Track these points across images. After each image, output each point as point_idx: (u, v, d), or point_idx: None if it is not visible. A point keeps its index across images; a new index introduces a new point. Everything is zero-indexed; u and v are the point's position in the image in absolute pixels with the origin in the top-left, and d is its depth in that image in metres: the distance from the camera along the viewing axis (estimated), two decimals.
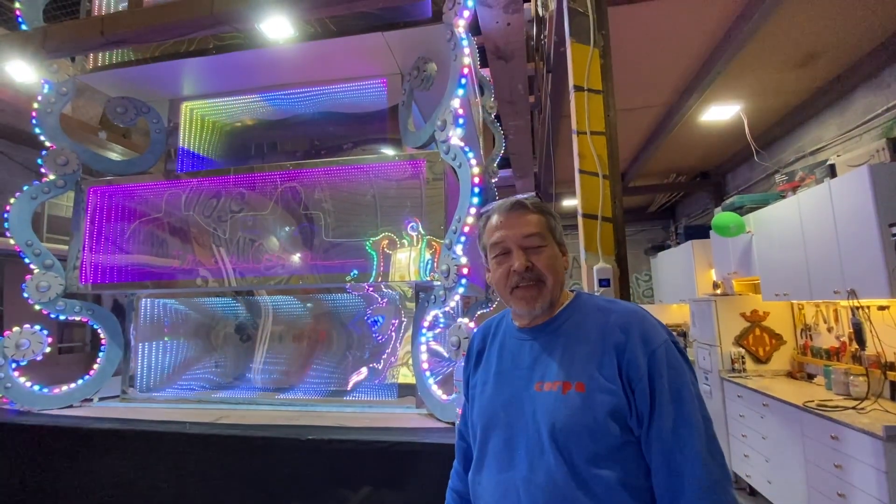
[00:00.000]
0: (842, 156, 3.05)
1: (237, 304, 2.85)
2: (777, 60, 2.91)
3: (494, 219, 0.97)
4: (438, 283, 2.06)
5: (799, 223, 3.16)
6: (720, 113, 3.66)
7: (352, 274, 2.24)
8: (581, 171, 1.55)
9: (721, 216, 3.82)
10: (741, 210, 3.92)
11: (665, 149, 4.36)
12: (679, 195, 6.34)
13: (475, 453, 0.95)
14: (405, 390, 2.37)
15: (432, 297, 2.11)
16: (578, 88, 1.58)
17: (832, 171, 2.89)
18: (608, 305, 0.93)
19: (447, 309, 2.08)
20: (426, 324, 2.14)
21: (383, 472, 1.67)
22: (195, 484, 1.77)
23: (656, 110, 3.66)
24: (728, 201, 4.12)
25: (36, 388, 2.42)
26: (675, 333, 0.89)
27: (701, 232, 5.15)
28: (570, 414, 0.82)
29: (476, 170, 1.98)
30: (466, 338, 1.92)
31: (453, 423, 1.85)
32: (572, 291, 0.99)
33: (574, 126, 1.58)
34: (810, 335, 3.65)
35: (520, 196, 1.00)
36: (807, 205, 3.09)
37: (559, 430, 0.82)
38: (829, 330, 3.40)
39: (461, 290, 2.00)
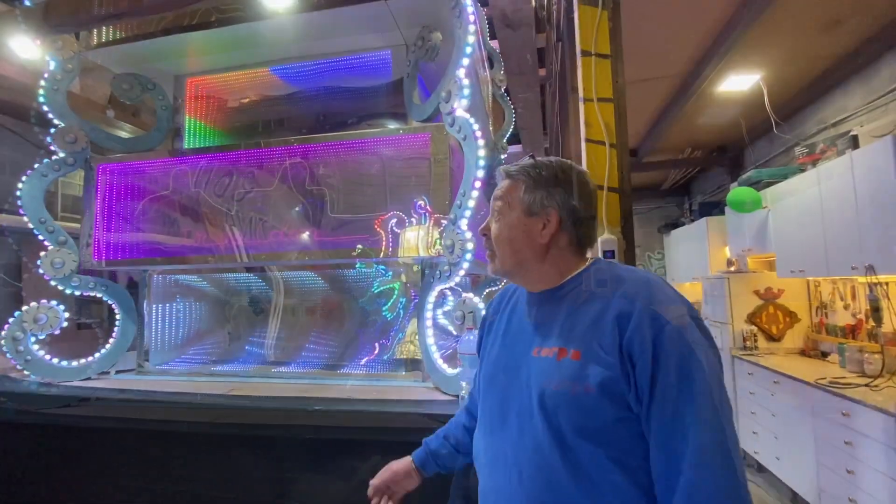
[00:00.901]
0: (865, 126, 2.92)
1: (250, 279, 2.89)
2: (800, 26, 2.77)
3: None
4: (444, 258, 2.05)
5: (818, 197, 3.06)
6: (739, 83, 3.51)
7: (357, 249, 2.23)
8: (587, 140, 1.50)
9: (737, 191, 3.72)
10: (758, 185, 3.81)
11: (680, 122, 4.22)
12: (694, 171, 6.18)
13: (478, 414, 0.98)
14: (412, 365, 2.39)
15: (437, 272, 2.10)
16: (585, 53, 1.52)
17: (854, 143, 2.78)
18: (623, 274, 0.87)
19: (452, 284, 2.08)
20: (432, 299, 2.14)
21: (389, 442, 1.70)
22: (206, 452, 1.82)
23: (671, 81, 3.53)
24: (744, 176, 4.01)
25: (55, 360, 2.49)
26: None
27: (716, 208, 5.04)
28: (560, 381, 0.80)
29: (481, 142, 1.93)
30: (471, 312, 1.92)
31: (458, 396, 1.87)
32: (591, 258, 0.95)
33: (581, 93, 1.52)
34: (825, 313, 3.58)
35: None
36: (826, 178, 2.98)
37: (548, 397, 0.80)
38: (846, 307, 3.33)
39: (466, 265, 1.99)
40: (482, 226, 0.97)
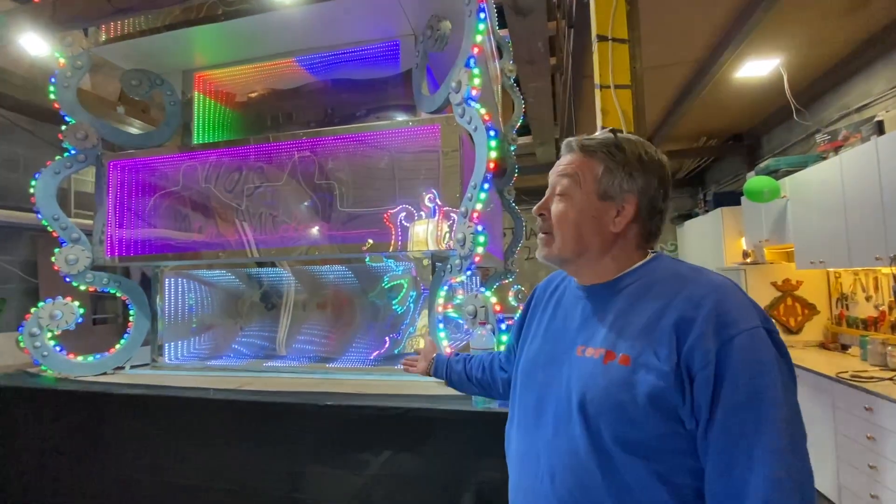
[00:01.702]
0: (891, 111, 2.81)
1: (261, 274, 2.89)
2: (823, 7, 2.66)
3: None
4: (455, 251, 2.02)
5: (840, 185, 2.97)
6: (757, 68, 3.40)
7: (367, 243, 2.22)
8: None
9: (754, 180, 3.62)
10: (776, 174, 3.70)
11: (695, 109, 4.11)
12: (709, 160, 6.05)
13: (511, 406, 0.93)
14: None
15: (448, 266, 2.07)
16: (602, 38, 1.46)
17: (880, 129, 2.68)
18: (690, 274, 0.77)
19: (463, 278, 2.05)
20: (443, 293, 2.12)
21: (400, 437, 1.69)
22: (218, 446, 1.83)
23: (686, 67, 3.43)
24: (762, 164, 3.90)
25: (71, 356, 2.52)
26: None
27: (731, 199, 4.91)
28: (605, 387, 0.73)
29: (492, 133, 1.89)
30: (483, 306, 1.89)
31: None
32: (653, 252, 0.86)
33: (597, 80, 1.47)
34: (846, 304, 3.48)
35: (598, 133, 0.90)
36: (849, 165, 2.88)
37: (589, 402, 0.74)
38: (868, 299, 3.23)
39: (477, 259, 1.96)
40: (539, 204, 0.86)
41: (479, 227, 1.91)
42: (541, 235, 0.88)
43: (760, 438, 0.63)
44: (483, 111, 1.91)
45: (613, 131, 0.87)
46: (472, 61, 1.94)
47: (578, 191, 0.83)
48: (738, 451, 0.64)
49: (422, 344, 1.52)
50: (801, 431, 0.66)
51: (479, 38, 1.94)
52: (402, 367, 1.53)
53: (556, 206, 0.84)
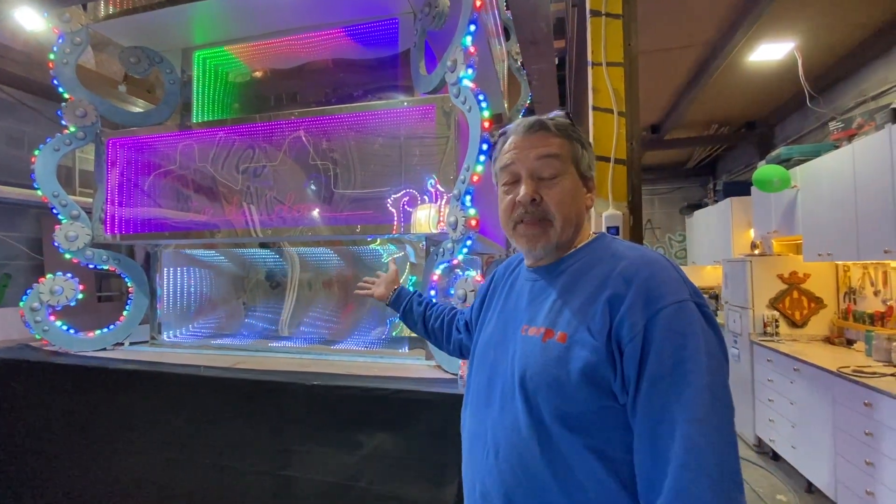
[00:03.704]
0: None
1: (266, 254, 2.89)
2: None
3: (510, 140, 0.85)
4: (448, 234, 1.99)
5: (851, 175, 2.87)
6: (771, 52, 3.28)
7: (358, 227, 2.20)
8: (595, 108, 1.40)
9: (764, 169, 3.53)
10: (788, 163, 3.60)
11: (706, 95, 3.99)
12: (720, 149, 5.90)
13: (467, 388, 0.94)
14: (415, 343, 2.37)
15: (441, 250, 2.05)
16: (595, 13, 1.40)
17: (894, 116, 2.57)
18: (626, 252, 0.78)
19: (455, 262, 2.03)
20: (435, 277, 2.10)
21: (386, 419, 1.69)
22: (208, 423, 1.86)
23: (697, 50, 3.32)
24: (773, 154, 3.79)
25: (71, 331, 2.57)
26: (705, 295, 0.73)
27: (742, 189, 4.79)
28: (543, 363, 0.75)
29: (486, 113, 1.85)
30: (473, 290, 1.87)
31: (458, 375, 1.84)
32: (595, 234, 0.88)
33: (589, 56, 1.41)
34: (854, 299, 3.40)
35: (549, 114, 0.86)
36: (862, 155, 2.78)
37: (528, 379, 0.76)
38: (876, 293, 3.15)
39: (469, 242, 1.93)
40: (527, 190, 0.81)
41: (472, 211, 1.88)
42: (531, 226, 0.82)
43: (681, 409, 0.63)
44: (481, 97, 1.86)
45: (567, 113, 0.87)
46: (470, 30, 1.87)
47: (568, 172, 0.82)
48: (662, 422, 0.64)
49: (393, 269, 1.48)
50: (724, 401, 0.65)
51: (473, 28, 1.88)
52: (357, 291, 1.50)
53: (553, 190, 0.82)
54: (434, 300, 1.38)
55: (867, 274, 3.24)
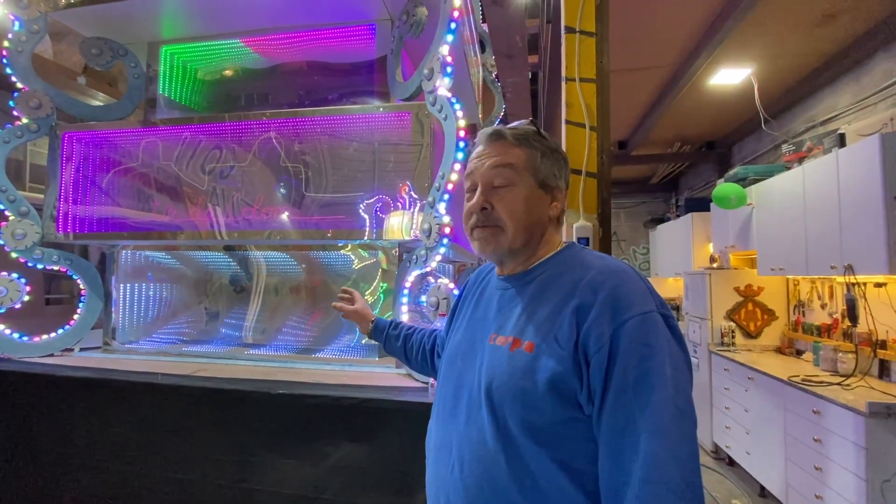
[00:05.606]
0: (853, 124, 2.90)
1: (230, 258, 2.79)
2: (794, 18, 2.73)
3: (477, 148, 0.88)
4: (421, 242, 1.99)
5: (801, 195, 3.06)
6: (730, 76, 3.48)
7: (337, 229, 2.17)
8: (567, 122, 1.44)
9: (722, 187, 3.71)
10: (744, 182, 3.80)
11: (670, 115, 4.19)
12: (683, 166, 6.18)
13: (435, 399, 0.93)
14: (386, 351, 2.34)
15: (413, 257, 2.04)
16: (570, 30, 1.45)
17: (841, 141, 2.76)
18: (593, 261, 0.79)
19: (428, 269, 2.02)
20: (408, 284, 2.08)
21: (354, 428, 1.66)
22: (164, 434, 1.76)
23: (662, 71, 3.48)
24: (731, 172, 3.99)
25: (16, 335, 2.40)
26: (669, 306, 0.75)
27: (702, 205, 5.03)
28: (510, 374, 0.74)
29: (462, 122, 1.86)
30: (445, 298, 1.87)
31: (429, 384, 1.83)
32: (565, 243, 0.89)
33: (563, 72, 1.46)
34: (803, 311, 3.60)
35: (513, 124, 0.88)
36: (811, 176, 2.97)
37: (495, 389, 0.75)
38: (823, 306, 3.35)
39: (442, 250, 1.93)
40: (479, 199, 0.83)
41: (446, 219, 1.88)
42: (483, 230, 0.84)
43: (645, 422, 0.63)
44: (457, 105, 1.88)
45: (532, 121, 0.88)
46: (447, 40, 1.89)
47: (521, 180, 0.83)
48: (626, 435, 0.65)
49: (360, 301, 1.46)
50: (687, 413, 0.66)
51: (450, 37, 1.90)
52: (335, 305, 1.45)
53: (503, 198, 0.83)
54: (410, 328, 1.32)
55: (815, 288, 3.44)
